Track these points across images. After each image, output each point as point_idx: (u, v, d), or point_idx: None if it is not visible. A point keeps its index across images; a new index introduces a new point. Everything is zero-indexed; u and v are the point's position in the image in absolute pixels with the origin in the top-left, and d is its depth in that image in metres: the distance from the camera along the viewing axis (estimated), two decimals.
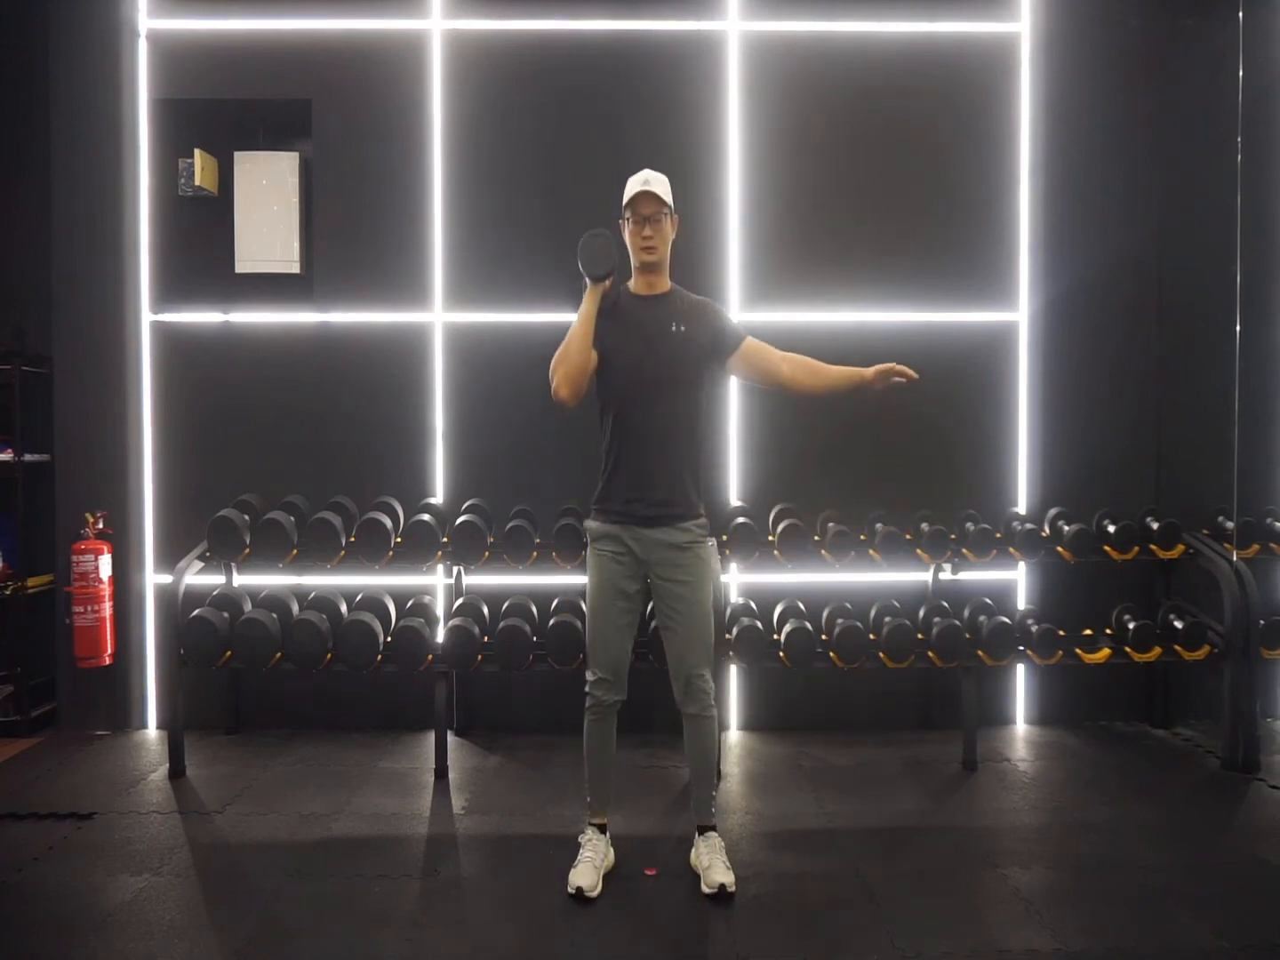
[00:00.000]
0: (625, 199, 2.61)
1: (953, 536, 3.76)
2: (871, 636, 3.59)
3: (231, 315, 4.00)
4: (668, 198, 2.60)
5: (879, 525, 3.74)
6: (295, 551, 3.54)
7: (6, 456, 3.86)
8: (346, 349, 4.00)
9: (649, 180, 2.59)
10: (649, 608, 2.77)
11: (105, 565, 3.81)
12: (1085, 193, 4.04)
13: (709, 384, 2.72)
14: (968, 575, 3.89)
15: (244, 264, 4.01)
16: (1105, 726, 4.05)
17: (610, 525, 2.62)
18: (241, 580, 3.81)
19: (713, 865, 2.59)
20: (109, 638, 3.82)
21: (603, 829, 2.73)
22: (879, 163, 4.03)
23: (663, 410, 2.59)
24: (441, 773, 3.44)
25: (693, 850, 2.72)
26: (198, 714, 3.77)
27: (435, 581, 3.97)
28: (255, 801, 3.23)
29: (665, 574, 2.60)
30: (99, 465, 3.97)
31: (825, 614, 3.72)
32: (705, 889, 2.57)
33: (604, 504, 2.64)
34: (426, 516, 3.63)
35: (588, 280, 2.59)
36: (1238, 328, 3.65)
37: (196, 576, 3.63)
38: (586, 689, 2.66)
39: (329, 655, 3.44)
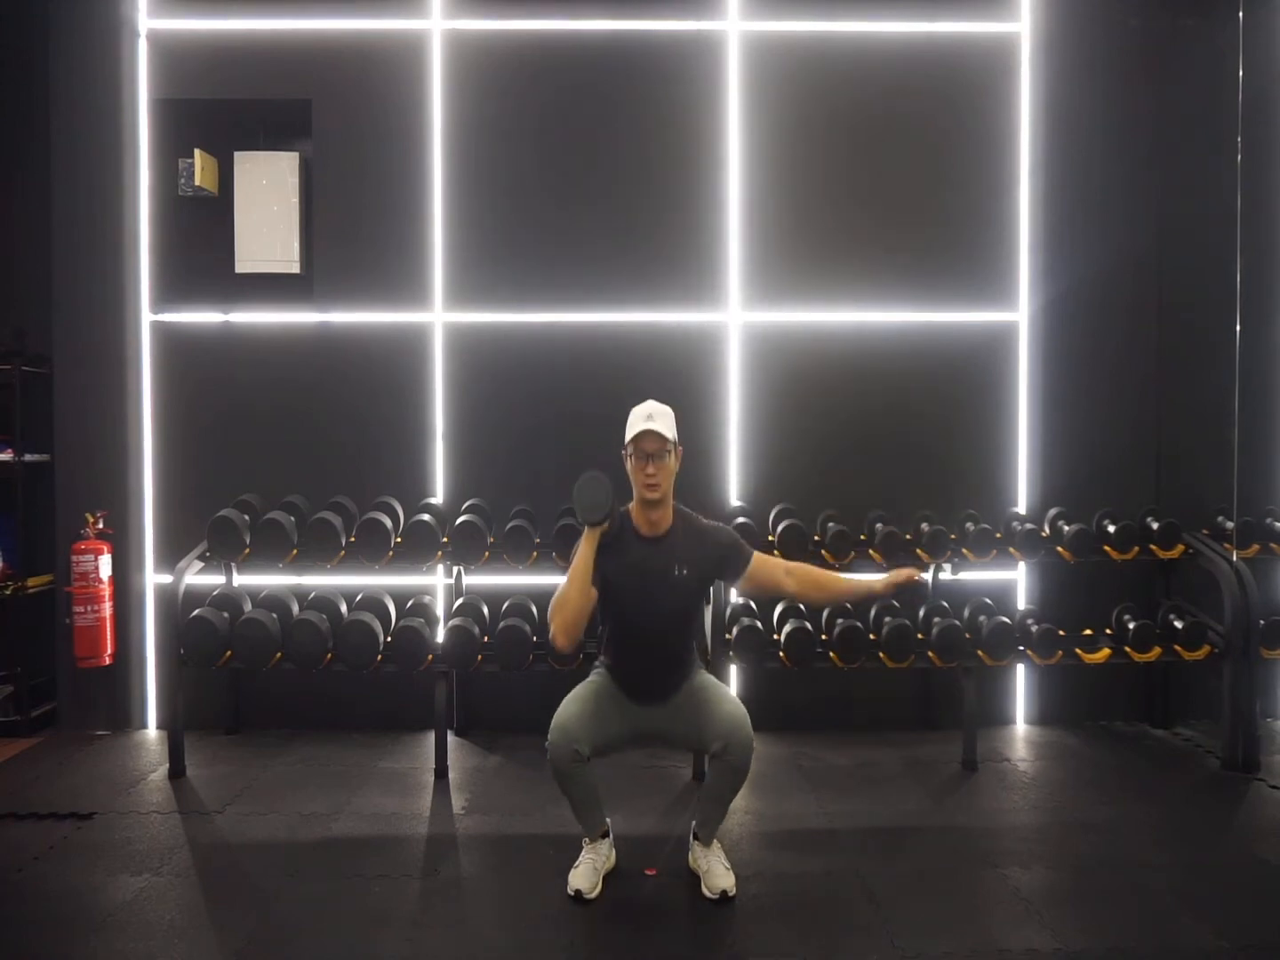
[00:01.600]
0: (628, 434, 2.56)
1: (953, 536, 3.76)
2: (871, 636, 3.59)
3: (231, 315, 4.00)
4: (671, 433, 2.55)
5: (879, 525, 3.74)
6: (295, 551, 3.54)
7: (6, 456, 3.86)
8: (346, 349, 4.00)
9: (652, 416, 2.54)
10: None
11: (105, 565, 3.81)
12: (1085, 193, 4.04)
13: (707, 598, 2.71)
14: (968, 575, 3.89)
15: (244, 264, 4.01)
16: (1105, 726, 4.05)
17: (613, 682, 2.66)
18: (241, 580, 3.81)
19: (712, 868, 2.59)
20: (109, 638, 3.83)
21: (605, 834, 2.72)
22: (879, 162, 4.03)
23: (662, 639, 2.61)
24: (441, 773, 3.44)
25: (690, 852, 2.71)
26: (198, 714, 3.77)
27: (435, 581, 3.97)
28: (255, 801, 3.23)
29: (678, 713, 2.62)
30: (99, 465, 3.97)
31: (825, 614, 3.72)
32: (707, 893, 2.56)
33: (608, 670, 2.68)
34: (426, 516, 3.63)
35: (585, 527, 2.54)
36: (1238, 328, 3.65)
37: (196, 576, 3.63)
38: (547, 740, 2.52)
39: (329, 655, 3.44)
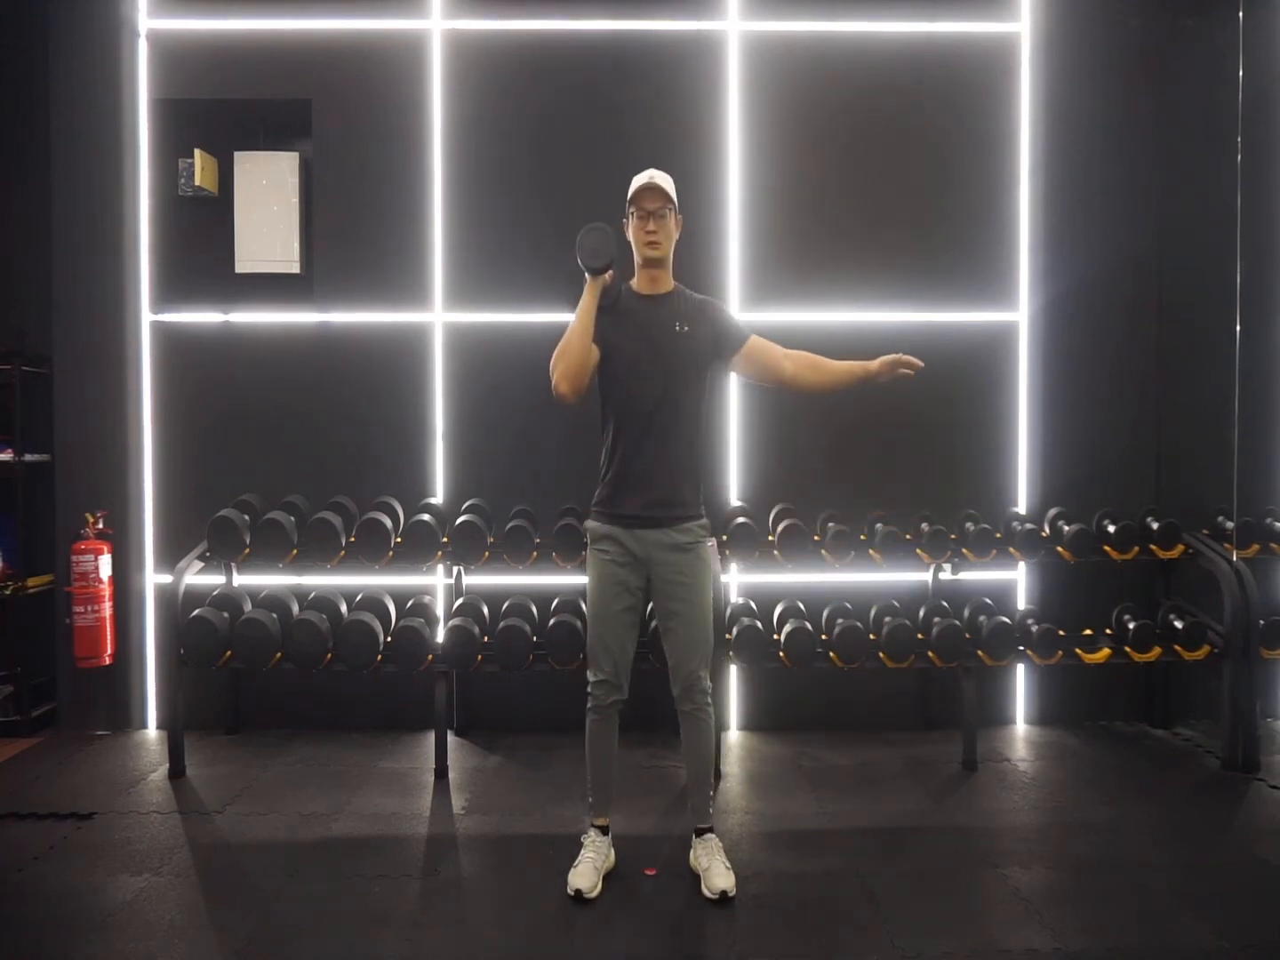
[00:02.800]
0: (630, 194, 2.62)
1: (953, 536, 3.76)
2: (871, 636, 3.59)
3: (231, 315, 4.00)
4: (672, 194, 2.61)
5: (879, 525, 3.74)
6: (295, 551, 3.54)
7: (6, 456, 3.86)
8: (346, 349, 4.00)
9: (654, 176, 2.60)
10: (650, 608, 2.77)
11: (105, 565, 3.81)
12: (1085, 193, 4.04)
13: (711, 383, 2.72)
14: (968, 575, 3.89)
15: (244, 264, 4.01)
16: (1105, 726, 4.05)
17: (611, 526, 2.61)
18: (241, 580, 3.81)
19: (712, 867, 2.59)
20: (109, 638, 3.83)
21: (604, 830, 2.72)
22: (879, 163, 4.03)
23: (665, 409, 2.58)
24: (441, 773, 3.44)
25: (691, 852, 2.72)
26: (198, 714, 3.77)
27: (435, 581, 3.97)
28: (255, 801, 3.23)
29: (665, 574, 2.60)
30: (99, 465, 3.97)
31: (825, 614, 3.72)
32: (707, 893, 2.56)
33: (604, 505, 2.64)
34: (426, 516, 3.63)
35: (587, 274, 2.58)
36: (1238, 328, 3.65)
37: (196, 576, 3.63)
38: (588, 689, 2.66)
39: (329, 655, 3.44)
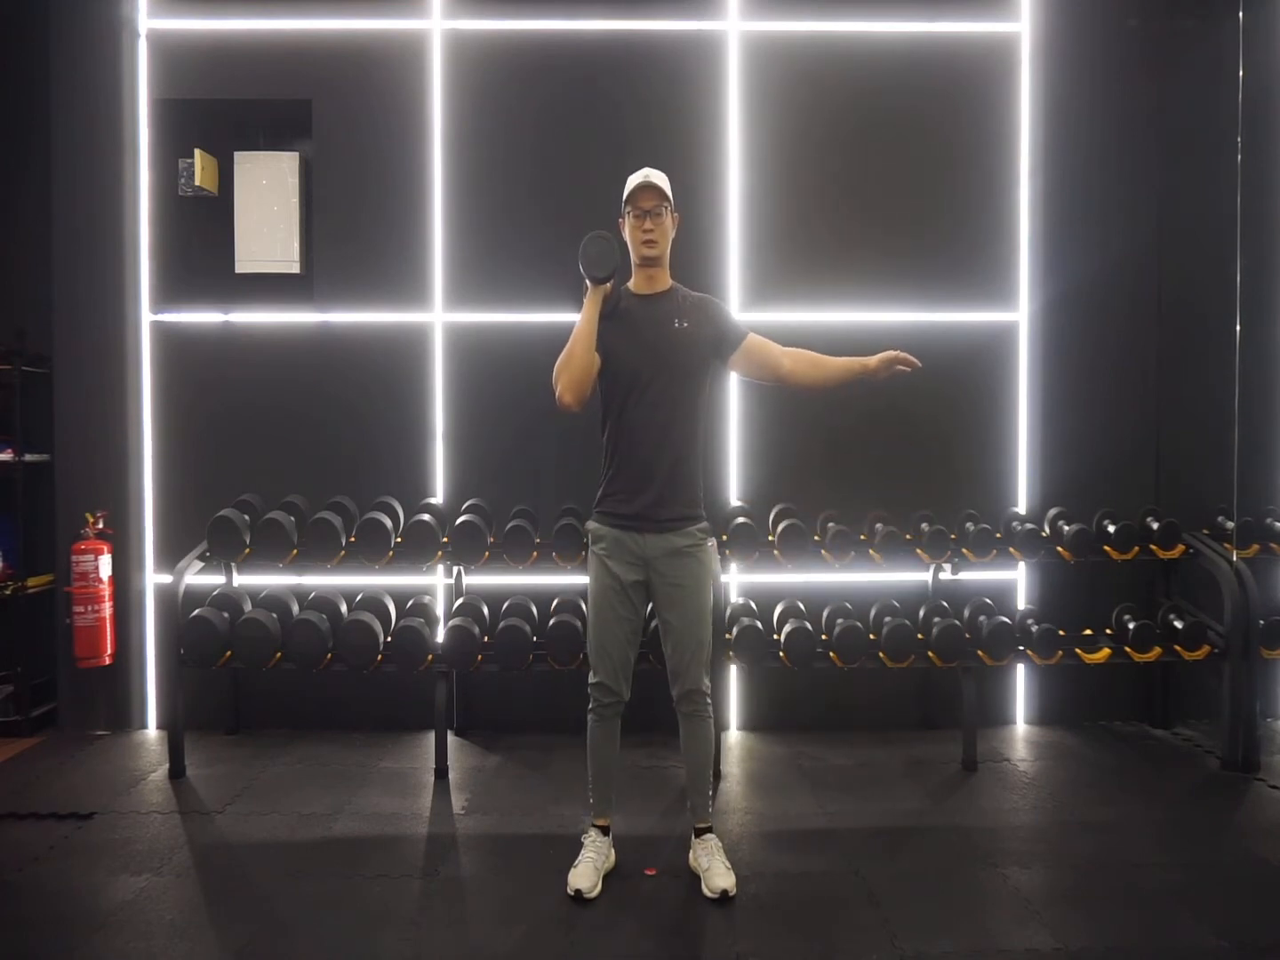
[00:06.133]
0: (626, 193, 2.62)
1: (953, 536, 3.76)
2: (871, 636, 3.59)
3: (231, 315, 4.00)
4: (668, 192, 2.61)
5: (879, 525, 3.74)
6: (295, 551, 3.54)
7: (6, 456, 3.86)
8: (346, 349, 3.99)
9: (649, 174, 2.60)
10: (650, 608, 2.77)
11: (105, 565, 3.81)
12: (1085, 193, 4.04)
13: (710, 382, 2.71)
14: (968, 575, 3.89)
15: (244, 264, 4.01)
16: (1105, 726, 4.05)
17: (611, 528, 2.61)
18: (241, 580, 3.81)
19: (712, 867, 2.59)
20: (109, 638, 3.82)
21: (605, 830, 2.72)
22: (878, 162, 4.03)
23: (664, 409, 2.58)
24: (441, 773, 3.44)
25: (690, 852, 2.72)
26: (198, 714, 3.77)
27: (435, 581, 3.97)
28: (255, 801, 3.23)
29: (665, 578, 2.60)
30: (99, 465, 3.97)
31: (825, 614, 3.72)
32: (707, 893, 2.56)
33: (605, 506, 2.64)
34: (426, 516, 3.63)
35: (589, 282, 2.57)
36: (1237, 327, 3.65)
37: (196, 576, 3.63)
38: (589, 689, 2.66)
39: (329, 655, 3.44)
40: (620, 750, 2.72)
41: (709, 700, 2.65)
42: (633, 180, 2.62)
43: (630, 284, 2.69)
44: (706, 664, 2.65)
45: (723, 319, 2.69)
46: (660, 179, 2.61)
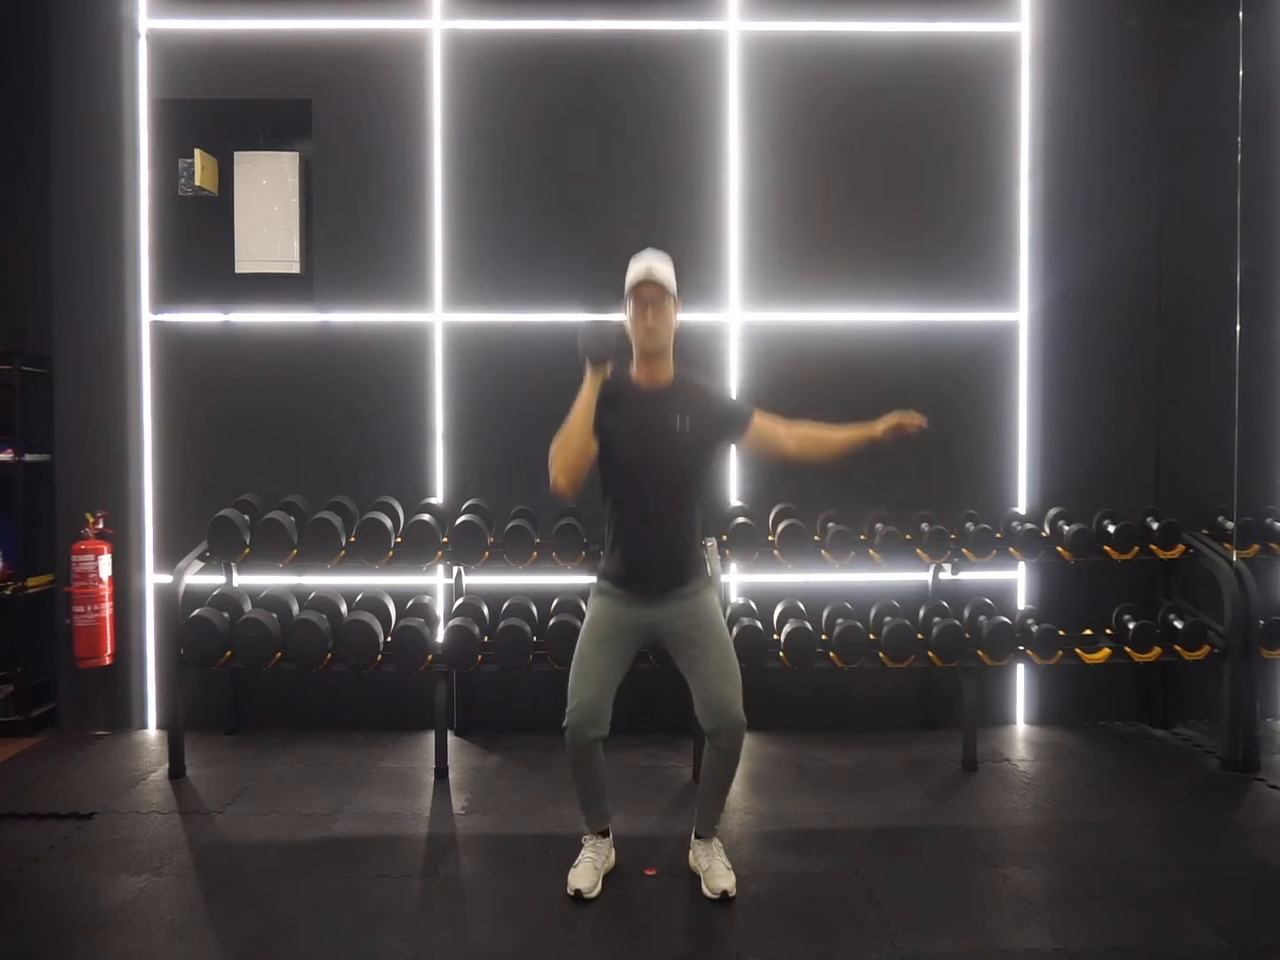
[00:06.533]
0: (627, 284, 2.52)
1: (953, 536, 3.76)
2: (871, 636, 3.59)
3: (231, 315, 4.00)
4: (670, 282, 2.52)
5: (879, 525, 3.74)
6: (295, 551, 3.54)
7: (6, 456, 3.86)
8: (346, 349, 3.99)
9: (651, 268, 2.49)
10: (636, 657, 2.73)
11: (105, 565, 3.81)
12: (1085, 193, 4.04)
13: (713, 465, 2.67)
14: (968, 575, 3.89)
15: (244, 264, 4.01)
16: (1105, 726, 4.05)
17: (615, 600, 2.60)
18: (241, 580, 3.81)
19: (713, 868, 2.59)
20: (109, 638, 3.82)
21: (605, 832, 2.72)
22: (879, 162, 4.03)
23: (666, 502, 2.55)
24: (441, 772, 3.44)
25: (690, 852, 2.72)
26: (198, 714, 3.76)
27: (435, 581, 3.97)
28: (255, 801, 3.23)
29: (675, 626, 2.58)
30: (99, 465, 3.97)
31: (825, 614, 3.72)
32: (707, 893, 2.56)
33: (608, 577, 2.62)
34: (426, 516, 3.63)
35: (587, 365, 2.49)
36: (1237, 327, 3.65)
37: (196, 576, 3.63)
38: (565, 716, 2.56)
39: (329, 655, 3.44)
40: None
41: (743, 736, 2.58)
42: (634, 270, 2.51)
43: (632, 371, 2.60)
44: (739, 686, 2.58)
45: (727, 408, 2.63)
46: (661, 272, 2.50)
